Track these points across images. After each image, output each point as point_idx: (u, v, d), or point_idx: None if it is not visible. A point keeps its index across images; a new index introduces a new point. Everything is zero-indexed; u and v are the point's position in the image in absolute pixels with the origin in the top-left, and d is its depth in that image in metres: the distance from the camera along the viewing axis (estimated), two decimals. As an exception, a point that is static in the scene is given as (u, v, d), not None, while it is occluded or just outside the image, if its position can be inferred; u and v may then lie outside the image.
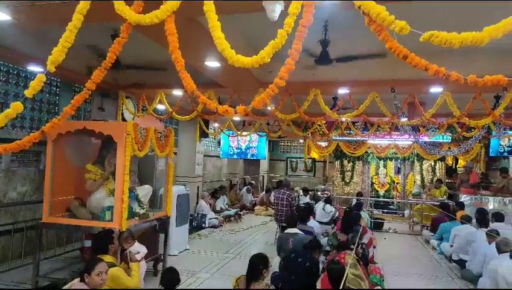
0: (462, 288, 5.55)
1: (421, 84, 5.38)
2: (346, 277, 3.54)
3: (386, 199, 11.88)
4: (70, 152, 5.20)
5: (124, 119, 6.98)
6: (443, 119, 7.39)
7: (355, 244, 4.50)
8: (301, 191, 11.77)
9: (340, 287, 2.69)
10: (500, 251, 4.99)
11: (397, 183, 12.44)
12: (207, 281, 5.30)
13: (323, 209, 8.31)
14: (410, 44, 2.25)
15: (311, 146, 12.26)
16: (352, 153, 11.81)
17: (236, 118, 9.58)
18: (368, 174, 12.50)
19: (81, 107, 7.20)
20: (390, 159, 12.33)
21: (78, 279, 3.16)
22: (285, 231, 5.49)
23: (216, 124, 10.91)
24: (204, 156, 12.44)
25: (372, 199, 11.26)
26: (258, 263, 3.54)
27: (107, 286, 3.49)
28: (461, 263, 6.29)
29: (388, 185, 12.52)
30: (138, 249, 4.33)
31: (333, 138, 11.47)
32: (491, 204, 8.93)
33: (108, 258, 3.75)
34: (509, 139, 10.30)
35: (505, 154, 10.88)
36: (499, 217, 7.00)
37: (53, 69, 2.63)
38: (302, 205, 8.93)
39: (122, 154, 4.58)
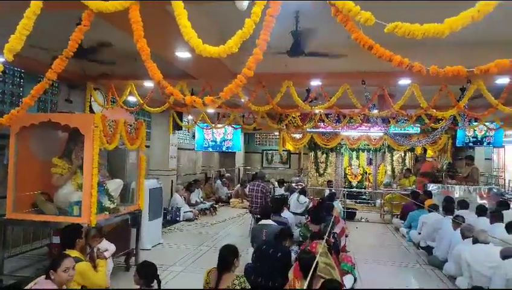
0: (433, 277, 5.76)
1: (390, 77, 5.50)
2: (317, 265, 3.61)
3: (358, 190, 12.16)
4: (35, 146, 5.00)
5: (92, 112, 6.77)
6: (412, 111, 7.60)
7: (327, 234, 4.59)
8: (276, 183, 11.86)
9: (309, 276, 2.72)
10: (464, 236, 5.23)
11: (369, 174, 12.75)
12: (180, 274, 5.27)
13: (297, 200, 8.40)
14: (383, 37, 2.27)
15: (286, 138, 12.35)
16: (326, 145, 11.98)
17: (211, 111, 9.50)
18: (341, 166, 12.74)
19: (48, 99, 6.93)
20: (363, 150, 12.60)
21: (44, 276, 3.06)
22: (259, 223, 5.52)
23: (190, 117, 10.78)
24: (179, 149, 12.29)
25: (345, 189, 11.48)
26: (228, 254, 3.55)
27: (75, 280, 3.41)
28: (428, 250, 6.53)
29: (361, 176, 12.82)
30: (106, 246, 4.25)
31: (307, 130, 11.59)
32: (457, 192, 9.31)
33: (74, 253, 3.66)
34: (474, 130, 10.74)
35: (471, 144, 11.35)
36: (463, 204, 7.31)
37: (11, 58, 2.50)
38: (277, 197, 9.02)
39: (90, 147, 4.45)
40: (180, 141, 12.56)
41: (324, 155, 12.59)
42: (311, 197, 9.96)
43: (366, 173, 12.81)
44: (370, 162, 12.83)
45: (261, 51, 2.24)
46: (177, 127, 9.58)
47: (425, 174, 10.32)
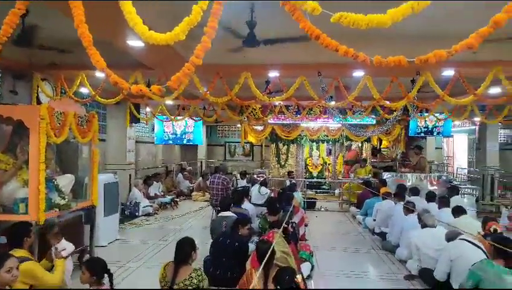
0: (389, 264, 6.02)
1: (345, 68, 5.64)
2: (274, 254, 3.65)
3: (318, 180, 12.44)
4: (-25, 140, 4.65)
5: (40, 104, 6.38)
6: (367, 102, 7.85)
7: (284, 223, 4.64)
8: (239, 175, 11.88)
9: (263, 263, 2.75)
10: (420, 221, 5.42)
11: (329, 164, 13.09)
12: (137, 270, 5.15)
13: (258, 191, 8.46)
14: (339, 30, 2.30)
15: (248, 130, 12.36)
16: (287, 137, 12.13)
17: (170, 103, 9.27)
18: (302, 157, 12.96)
19: (-11, 90, 6.45)
20: (322, 141, 12.88)
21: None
22: (219, 215, 5.50)
23: (148, 109, 10.47)
24: (138, 142, 11.95)
25: (306, 179, 11.72)
26: (185, 246, 3.51)
27: (21, 281, 3.23)
28: (382, 235, 6.83)
29: (321, 167, 13.13)
30: (65, 245, 4.07)
31: (268, 121, 11.67)
32: (410, 180, 9.80)
33: (21, 252, 3.48)
34: (426, 121, 11.31)
35: (422, 134, 11.95)
36: (414, 191, 7.71)
37: None
38: (239, 188, 9.03)
39: (35, 141, 4.19)
40: (138, 134, 12.19)
41: (285, 147, 12.75)
42: (273, 188, 10.07)
43: (326, 163, 13.13)
44: (329, 153, 13.17)
45: (209, 39, 2.19)
46: (135, 120, 9.27)
47: (348, 162, 10.85)
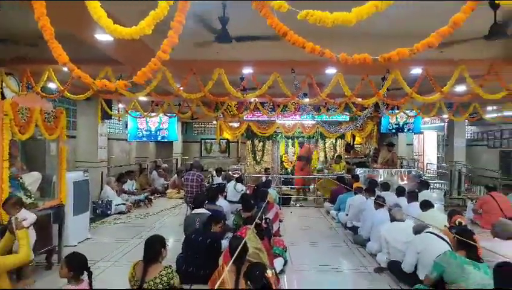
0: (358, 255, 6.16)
1: (318, 66, 5.70)
2: (247, 250, 3.67)
3: (294, 176, 12.55)
4: None
5: (4, 99, 6.12)
6: (340, 99, 7.98)
7: (257, 219, 4.66)
8: (214, 171, 11.83)
9: (233, 258, 2.76)
10: (389, 215, 5.57)
11: (304, 160, 13.22)
12: (108, 269, 5.05)
13: (234, 188, 8.44)
14: (312, 29, 2.32)
15: (223, 127, 12.32)
16: (263, 133, 12.17)
17: (143, 99, 9.10)
18: (277, 153, 13.05)
19: (-51, 85, 6.13)
20: (297, 138, 13.00)
21: None
22: (192, 212, 5.46)
23: (121, 105, 10.23)
24: (110, 139, 11.66)
25: (282, 176, 11.80)
26: (154, 244, 3.48)
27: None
28: (354, 230, 6.98)
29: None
30: (25, 215, 3.95)
31: (244, 118, 11.67)
32: (382, 175, 10.05)
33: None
34: (397, 118, 11.62)
35: (393, 131, 12.27)
36: (385, 186, 7.92)
37: None
38: (215, 185, 8.99)
39: (-2, 137, 4.03)
40: (111, 130, 11.91)
41: (261, 143, 12.80)
42: (249, 185, 10.09)
43: (301, 159, 13.26)
44: (305, 150, 13.31)
45: (176, 34, 2.17)
46: (107, 116, 9.05)
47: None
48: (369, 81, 5.86)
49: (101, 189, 9.01)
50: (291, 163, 13.24)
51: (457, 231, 4.01)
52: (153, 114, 9.73)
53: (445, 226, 4.88)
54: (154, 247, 3.48)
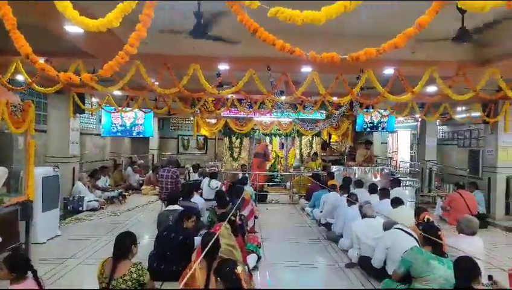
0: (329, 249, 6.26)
1: (294, 64, 5.72)
2: (219, 247, 3.66)
3: (270, 173, 12.61)
4: None
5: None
6: (316, 97, 8.07)
7: (232, 216, 4.66)
8: (191, 168, 11.74)
9: (202, 254, 2.75)
10: (361, 212, 5.69)
11: (281, 157, 13.33)
12: (77, 267, 4.93)
13: (208, 185, 8.39)
14: (287, 27, 2.32)
15: (200, 123, 12.22)
16: (240, 130, 12.16)
17: (118, 93, 8.91)
18: (254, 150, 13.06)
19: None
20: (275, 135, 13.06)
21: None
22: (166, 208, 5.40)
23: (94, 99, 9.97)
24: (83, 134, 11.39)
25: (258, 173, 11.82)
26: (124, 241, 3.43)
27: None
28: (328, 226, 7.09)
29: (273, 160, 13.32)
30: None
31: (222, 114, 11.62)
32: (356, 173, 10.24)
33: None
34: (371, 117, 11.86)
35: (368, 129, 12.53)
36: (359, 183, 8.06)
37: None
38: (192, 182, 8.92)
39: (-41, 130, 3.85)
40: (84, 125, 11.61)
41: (238, 140, 12.78)
42: (225, 182, 10.06)
43: (278, 156, 13.35)
44: (282, 147, 13.40)
45: (144, 27, 2.13)
46: (79, 110, 8.79)
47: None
48: (343, 80, 5.95)
49: (73, 185, 8.77)
50: (269, 160, 13.30)
51: (424, 228, 4.15)
52: (127, 109, 9.53)
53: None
54: (124, 244, 3.43)
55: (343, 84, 6.27)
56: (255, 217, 7.61)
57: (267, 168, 12.82)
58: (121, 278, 3.31)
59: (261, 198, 10.38)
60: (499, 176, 8.71)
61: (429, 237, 3.93)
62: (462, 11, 3.94)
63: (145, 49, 5.56)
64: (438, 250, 4.01)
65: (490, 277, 3.49)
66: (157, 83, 6.81)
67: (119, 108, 9.26)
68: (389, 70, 5.97)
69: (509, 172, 8.70)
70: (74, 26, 4.04)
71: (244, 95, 7.06)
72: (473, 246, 4.29)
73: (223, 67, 5.96)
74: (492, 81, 5.92)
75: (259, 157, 11.14)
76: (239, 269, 2.92)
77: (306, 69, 6.00)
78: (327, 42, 5.04)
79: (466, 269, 3.02)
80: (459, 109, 11.18)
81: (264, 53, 5.64)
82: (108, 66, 2.18)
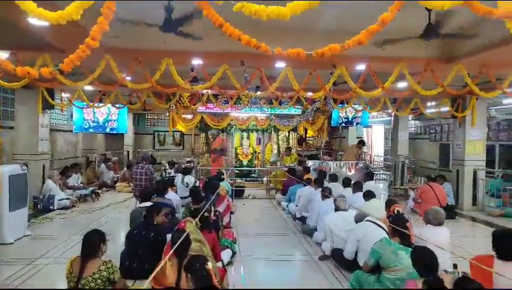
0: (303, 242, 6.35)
1: (267, 59, 5.71)
2: (190, 243, 3.65)
3: (248, 168, 12.65)
4: None
5: None
6: (290, 93, 8.11)
7: (205, 212, 4.63)
8: (167, 164, 11.61)
9: (171, 251, 2.73)
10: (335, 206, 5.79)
11: (259, 153, 13.37)
12: (46, 267, 4.80)
13: (182, 183, 8.28)
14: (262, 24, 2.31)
15: (176, 119, 12.08)
16: (216, 126, 12.10)
17: (89, 88, 8.66)
18: (231, 145, 13.05)
19: None
20: (252, 130, 13.08)
21: None
22: (138, 206, 5.32)
23: (64, 94, 9.65)
24: (54, 130, 11.05)
25: (235, 168, 11.84)
26: (93, 239, 3.36)
27: None
28: (302, 220, 7.18)
29: (251, 155, 13.35)
30: None
31: (198, 110, 11.52)
32: (331, 167, 10.41)
33: None
34: (346, 112, 12.07)
35: (343, 124, 12.74)
36: (333, 177, 8.20)
37: None
38: (167, 178, 8.80)
39: None
40: (55, 121, 11.27)
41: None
42: (201, 178, 10.01)
43: (255, 152, 13.39)
44: (259, 142, 13.45)
45: (106, 20, 2.08)
46: (48, 106, 8.50)
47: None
48: (317, 76, 6.01)
49: (43, 183, 8.51)
50: (246, 156, 13.32)
51: (392, 219, 4.27)
52: (100, 105, 9.29)
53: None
54: (93, 242, 3.37)
55: (317, 80, 6.34)
56: (231, 213, 7.62)
57: (245, 163, 12.89)
58: (90, 276, 3.26)
59: (238, 193, 10.39)
60: (467, 169, 9.05)
61: (397, 228, 4.06)
62: (428, 9, 4.04)
63: (116, 43, 5.44)
64: (406, 241, 4.14)
65: (455, 266, 3.64)
66: (130, 78, 6.68)
67: (91, 104, 9.02)
68: (361, 67, 6.07)
69: (476, 165, 9.06)
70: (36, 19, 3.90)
71: (218, 90, 7.02)
72: (439, 236, 4.45)
73: (196, 62, 5.90)
74: (460, 77, 6.13)
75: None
76: (209, 264, 2.92)
77: (280, 64, 6.02)
78: (301, 39, 5.10)
79: (422, 258, 3.14)
80: (429, 104, 11.51)
81: (238, 48, 5.62)
82: (69, 60, 2.12)
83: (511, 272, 3.19)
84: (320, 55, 2.20)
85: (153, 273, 2.43)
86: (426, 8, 4.11)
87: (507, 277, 3.04)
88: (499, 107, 10.55)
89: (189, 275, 2.92)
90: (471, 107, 8.65)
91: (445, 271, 3.75)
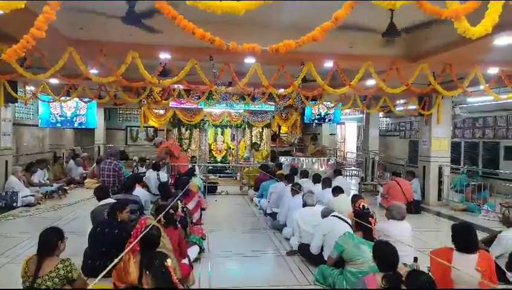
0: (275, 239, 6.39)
1: (236, 55, 5.67)
2: (159, 243, 3.60)
3: (221, 164, 12.61)
4: None
5: None
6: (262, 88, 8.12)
7: (171, 208, 4.57)
8: (138, 160, 11.40)
9: (131, 245, 2.69)
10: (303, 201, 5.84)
11: (233, 149, 13.34)
12: (4, 267, 4.63)
13: (158, 179, 8.15)
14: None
15: (148, 114, 11.87)
16: (189, 121, 11.98)
17: (55, 81, 8.37)
18: (205, 142, 12.97)
19: None
20: (226, 126, 13.03)
21: None
22: (99, 204, 5.18)
23: (28, 88, 9.27)
24: (19, 125, 10.66)
25: (208, 164, 11.77)
26: (50, 237, 3.26)
27: None
28: (273, 216, 7.22)
29: (225, 151, 13.31)
30: None
31: (170, 105, 11.36)
32: (304, 164, 10.54)
33: None
34: (319, 108, 12.21)
35: (316, 121, 12.89)
36: (304, 174, 8.30)
37: None
38: (140, 174, 8.64)
39: None
40: (20, 115, 10.85)
41: (188, 131, 12.60)
42: (172, 174, 9.89)
43: (230, 148, 13.35)
44: (233, 138, 13.42)
45: (52, 10, 2.00)
46: (11, 99, 8.16)
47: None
48: (285, 72, 6.04)
49: (5, 179, 8.18)
50: (220, 152, 13.27)
51: (356, 214, 4.37)
52: (66, 98, 8.98)
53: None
54: (50, 240, 3.27)
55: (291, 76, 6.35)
56: (202, 209, 7.58)
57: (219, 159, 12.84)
58: (47, 275, 3.16)
59: (211, 189, 10.34)
60: (432, 165, 9.36)
61: (360, 223, 4.16)
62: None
63: (79, 35, 5.28)
64: (369, 235, 4.26)
65: (416, 259, 3.76)
66: (96, 72, 6.50)
67: (56, 97, 8.71)
68: (328, 64, 6.14)
69: (441, 161, 9.38)
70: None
71: (186, 85, 6.94)
72: (402, 230, 4.59)
73: (163, 56, 5.80)
74: (426, 75, 6.31)
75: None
76: (169, 261, 2.88)
77: (250, 60, 6.01)
78: (270, 35, 5.08)
79: (383, 252, 3.22)
80: (398, 102, 11.82)
81: (206, 43, 5.58)
82: (11, 50, 2.03)
83: (468, 263, 3.36)
84: (275, 50, 2.20)
85: (108, 268, 2.38)
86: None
87: (463, 267, 3.18)
88: (464, 105, 10.97)
89: (147, 272, 2.89)
90: (436, 105, 8.93)
91: (405, 264, 3.88)
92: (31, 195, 8.27)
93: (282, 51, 2.21)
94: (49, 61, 5.30)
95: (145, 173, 9.16)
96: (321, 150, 11.62)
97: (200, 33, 2.16)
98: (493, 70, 6.49)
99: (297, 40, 2.22)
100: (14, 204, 7.87)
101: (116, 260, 2.31)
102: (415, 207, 8.37)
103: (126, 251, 2.63)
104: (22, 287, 3.27)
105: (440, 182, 9.39)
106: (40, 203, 8.28)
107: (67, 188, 9.79)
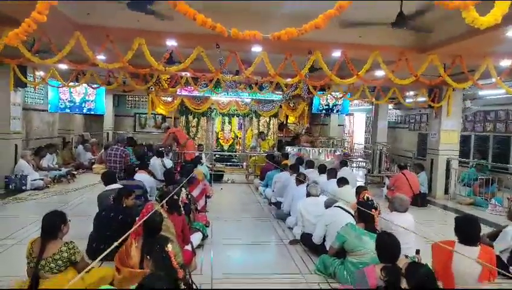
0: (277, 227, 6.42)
1: (243, 43, 5.63)
2: (160, 229, 3.64)
3: (228, 153, 12.64)
4: None
5: None
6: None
7: (175, 195, 4.61)
8: (146, 147, 11.48)
9: (133, 229, 2.73)
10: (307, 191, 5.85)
11: (240, 138, 13.37)
12: (12, 247, 4.74)
13: (163, 165, 8.22)
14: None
15: (156, 101, 11.90)
16: (197, 109, 12.00)
17: (64, 67, 8.42)
18: (212, 130, 13.00)
19: None
20: (233, 115, 13.03)
21: None
22: (105, 189, 5.25)
23: (37, 73, 9.34)
24: (29, 109, 10.80)
25: (215, 152, 11.81)
26: (53, 220, 3.33)
27: None
28: (278, 205, 7.24)
29: (232, 140, 13.34)
30: None
31: (178, 93, 11.37)
32: (310, 154, 10.50)
33: None
34: (327, 99, 12.10)
35: (324, 112, 12.79)
36: (310, 164, 8.28)
37: None
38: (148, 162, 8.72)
39: None
40: (30, 100, 10.97)
41: (195, 119, 12.63)
42: (179, 161, 9.96)
43: (237, 137, 13.37)
44: (240, 127, 13.42)
45: (50, -5, 1.99)
46: (21, 84, 8.25)
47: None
48: (292, 61, 5.97)
49: (15, 163, 8.33)
50: (228, 141, 13.30)
51: (358, 206, 4.36)
52: (75, 84, 9.03)
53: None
54: (53, 223, 3.34)
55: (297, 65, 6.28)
56: (208, 197, 7.63)
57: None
58: (50, 257, 3.24)
59: (217, 178, 10.40)
60: (440, 158, 9.25)
61: (362, 213, 4.15)
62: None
63: (88, 19, 5.28)
64: (371, 226, 4.24)
65: (417, 251, 3.75)
66: (103, 58, 6.51)
67: (65, 83, 8.77)
68: (336, 53, 6.06)
69: (449, 154, 9.26)
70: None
71: (192, 72, 6.91)
72: (404, 222, 4.56)
73: (170, 43, 5.78)
74: (436, 67, 6.18)
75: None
76: (169, 247, 2.92)
77: (256, 49, 5.95)
78: (273, 22, 5.02)
79: (386, 244, 3.21)
80: (407, 93, 11.64)
81: (213, 31, 5.54)
82: (13, 34, 2.04)
83: (470, 255, 3.34)
84: (276, 38, 2.18)
85: (108, 250, 2.41)
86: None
87: (464, 259, 3.17)
88: (475, 99, 10.77)
89: (148, 257, 2.93)
90: (447, 97, 8.78)
91: (406, 256, 3.86)
92: (40, 179, 8.42)
93: (284, 38, 2.18)
94: (56, 46, 5.32)
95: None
96: (313, 141, 11.60)
97: (201, 19, 2.14)
98: (506, 63, 6.33)
99: (299, 28, 2.18)
100: (24, 187, 8.03)
101: (115, 243, 2.33)
102: (421, 200, 8.32)
103: (127, 234, 2.66)
104: (26, 268, 3.36)
105: (447, 176, 9.30)
106: (48, 187, 8.42)
107: (75, 172, 9.93)
